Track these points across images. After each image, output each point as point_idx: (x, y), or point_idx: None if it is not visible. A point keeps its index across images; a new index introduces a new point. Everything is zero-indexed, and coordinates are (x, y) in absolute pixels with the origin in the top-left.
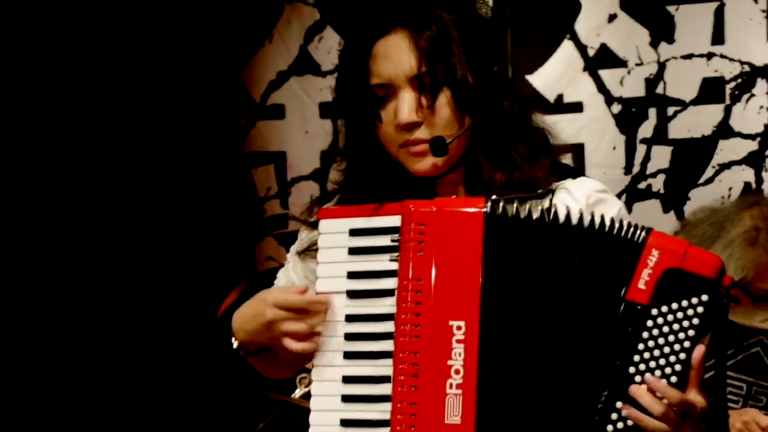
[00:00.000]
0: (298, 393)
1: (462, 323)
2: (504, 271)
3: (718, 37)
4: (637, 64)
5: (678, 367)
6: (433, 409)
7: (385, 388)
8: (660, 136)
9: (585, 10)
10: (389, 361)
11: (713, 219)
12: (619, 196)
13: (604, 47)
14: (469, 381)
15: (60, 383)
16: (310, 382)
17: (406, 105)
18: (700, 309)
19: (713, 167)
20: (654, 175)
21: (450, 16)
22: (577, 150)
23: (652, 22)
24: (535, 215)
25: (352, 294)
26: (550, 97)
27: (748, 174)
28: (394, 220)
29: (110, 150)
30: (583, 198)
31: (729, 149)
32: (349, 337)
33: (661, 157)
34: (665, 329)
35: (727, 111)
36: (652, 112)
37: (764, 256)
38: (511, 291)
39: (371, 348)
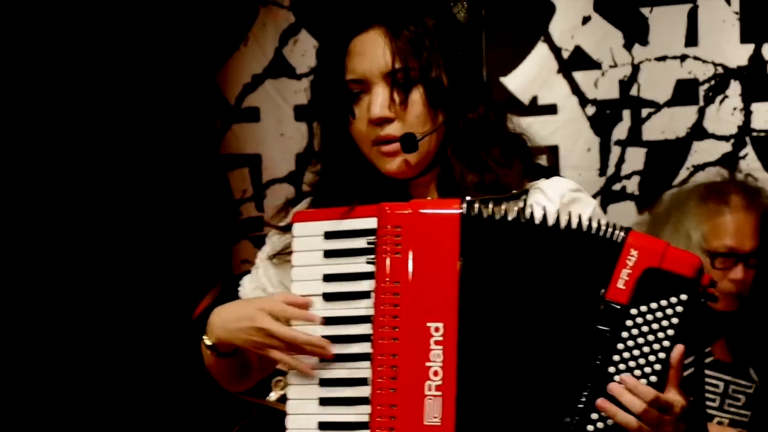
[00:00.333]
0: (273, 396)
1: (440, 325)
2: (481, 272)
3: (691, 39)
4: (611, 66)
5: (657, 367)
6: (412, 411)
7: (363, 390)
8: (634, 137)
9: (559, 12)
10: (367, 364)
11: (673, 194)
12: (593, 197)
13: (578, 49)
14: (448, 382)
15: (35, 384)
16: (285, 385)
17: (378, 100)
18: (679, 308)
19: (687, 169)
20: (628, 176)
21: (429, 18)
22: (552, 152)
23: (626, 24)
24: (511, 216)
25: (329, 297)
26: (525, 99)
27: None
28: (370, 222)
29: (85, 152)
30: (557, 198)
31: (703, 151)
32: (327, 339)
33: (636, 158)
34: (644, 329)
35: (701, 113)
36: (627, 114)
37: (716, 210)
38: (489, 292)
39: (349, 350)
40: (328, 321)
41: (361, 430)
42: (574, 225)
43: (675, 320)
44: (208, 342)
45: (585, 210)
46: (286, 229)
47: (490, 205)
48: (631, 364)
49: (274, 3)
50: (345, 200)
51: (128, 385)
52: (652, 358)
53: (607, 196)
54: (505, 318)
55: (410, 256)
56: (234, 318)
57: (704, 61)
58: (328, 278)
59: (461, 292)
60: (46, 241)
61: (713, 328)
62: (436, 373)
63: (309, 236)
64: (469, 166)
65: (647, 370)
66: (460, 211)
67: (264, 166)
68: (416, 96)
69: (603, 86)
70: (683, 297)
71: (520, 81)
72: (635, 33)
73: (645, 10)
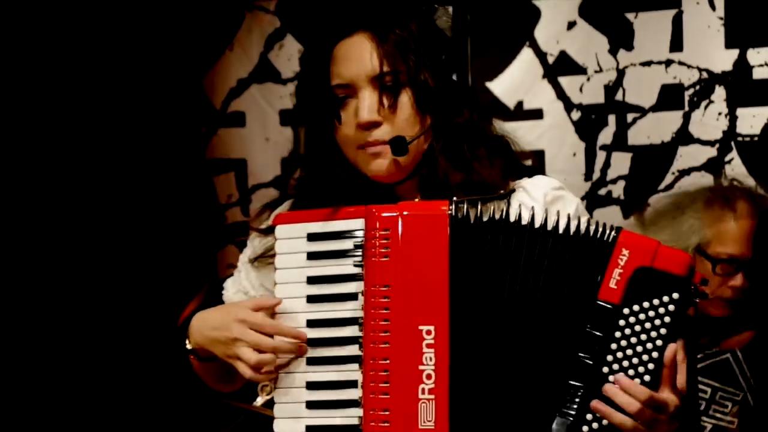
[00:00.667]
0: (259, 401)
1: (432, 328)
2: (471, 273)
3: (676, 44)
4: (596, 71)
5: (651, 366)
6: (406, 415)
7: (352, 393)
8: (619, 142)
9: (544, 17)
10: (355, 366)
11: (672, 199)
12: None
13: (563, 54)
14: (441, 385)
15: (20, 387)
16: (272, 390)
17: (366, 104)
18: (671, 307)
19: (673, 173)
20: (614, 181)
21: (412, 23)
22: (537, 157)
23: (611, 30)
24: (498, 216)
25: (313, 299)
26: (510, 104)
27: (707, 180)
28: (355, 224)
29: (72, 157)
30: (540, 196)
31: (688, 155)
32: (312, 342)
33: (621, 163)
34: (637, 328)
35: (686, 118)
36: (612, 119)
37: (721, 215)
38: (480, 294)
39: (335, 353)
40: (313, 323)
41: None
42: (563, 226)
43: (667, 319)
44: (189, 346)
45: (568, 207)
46: (268, 231)
47: (478, 206)
48: (625, 364)
49: (260, 8)
50: (327, 203)
51: (114, 389)
52: (645, 357)
53: (592, 201)
54: (497, 319)
55: (399, 259)
56: (212, 325)
57: (689, 66)
58: (312, 280)
59: (451, 294)
60: (32, 244)
61: (709, 333)
62: (429, 377)
63: (292, 238)
64: (454, 167)
65: (641, 369)
66: (449, 212)
67: (250, 171)
68: (404, 99)
69: (588, 91)
70: (675, 296)
71: (506, 86)
72: (620, 38)
73: (630, 15)
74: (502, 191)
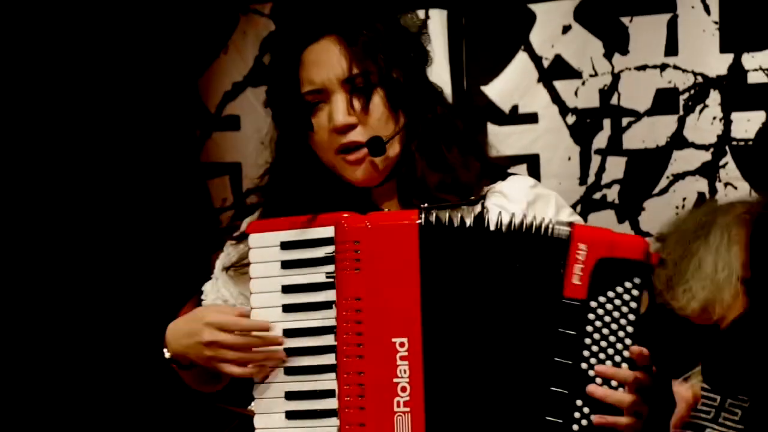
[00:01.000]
0: (254, 405)
1: (405, 340)
2: (442, 283)
3: (671, 48)
4: (591, 75)
5: (626, 354)
6: (381, 429)
7: (330, 403)
8: (614, 146)
9: (539, 21)
10: (332, 375)
11: (699, 214)
12: (574, 206)
13: (558, 58)
14: (417, 398)
15: (12, 389)
16: None
17: (340, 107)
18: (635, 292)
19: (667, 178)
20: (609, 185)
21: (380, 25)
22: (532, 161)
23: (606, 34)
24: (468, 222)
25: (289, 308)
26: (505, 108)
27: (701, 184)
28: (327, 231)
29: (64, 159)
30: (521, 198)
31: (683, 160)
32: (290, 352)
33: (616, 167)
34: (607, 319)
35: (681, 122)
36: (607, 123)
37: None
38: (451, 303)
39: (313, 362)
40: (290, 333)
41: None
42: (522, 227)
43: (634, 304)
44: (167, 355)
45: (548, 204)
46: (241, 238)
47: (447, 213)
48: (602, 356)
49: (255, 11)
50: (300, 209)
51: (108, 393)
52: (619, 346)
53: (587, 205)
54: (469, 328)
55: (371, 271)
56: (183, 334)
57: (684, 71)
58: (287, 289)
59: (423, 305)
60: (25, 247)
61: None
62: (403, 389)
63: (265, 247)
64: (430, 165)
65: (617, 358)
66: (419, 221)
67: (244, 175)
68: (377, 99)
69: (583, 95)
70: (637, 280)
71: (501, 90)
72: (615, 42)
73: (625, 20)
74: (472, 197)
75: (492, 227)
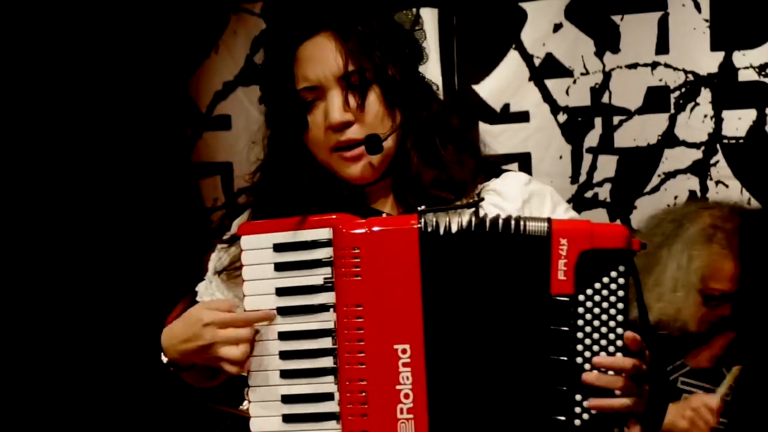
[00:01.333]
0: (246, 405)
1: (407, 346)
2: (442, 288)
3: (662, 46)
4: (582, 74)
5: (619, 343)
6: None
7: (329, 406)
8: (606, 145)
9: (530, 20)
10: (330, 378)
11: (672, 216)
12: None
13: (549, 57)
14: (420, 404)
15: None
16: None
17: (336, 104)
18: (621, 280)
19: (659, 176)
20: (600, 184)
21: (375, 21)
22: (524, 159)
23: (597, 32)
24: (465, 225)
25: (284, 311)
26: (497, 106)
27: (693, 182)
28: (322, 233)
29: (56, 159)
30: (517, 196)
31: (674, 158)
32: (285, 355)
33: (607, 166)
34: (596, 311)
35: (672, 120)
36: (598, 122)
37: (721, 254)
38: (451, 308)
39: (310, 365)
40: (286, 336)
41: None
42: (499, 227)
43: (621, 293)
44: (165, 360)
45: (544, 201)
46: (232, 241)
47: (446, 216)
48: (596, 348)
49: (245, 10)
50: (291, 210)
51: (99, 393)
52: (612, 336)
53: (579, 204)
54: (468, 333)
55: (371, 277)
56: (181, 339)
57: (675, 69)
58: (282, 292)
59: (425, 310)
60: (14, 248)
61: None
62: (406, 396)
63: (258, 249)
64: (425, 162)
65: (611, 349)
66: (418, 225)
67: (235, 174)
68: (373, 96)
69: (574, 94)
70: (621, 268)
71: (492, 88)
72: (606, 40)
73: (616, 18)
74: (469, 200)
75: (485, 229)
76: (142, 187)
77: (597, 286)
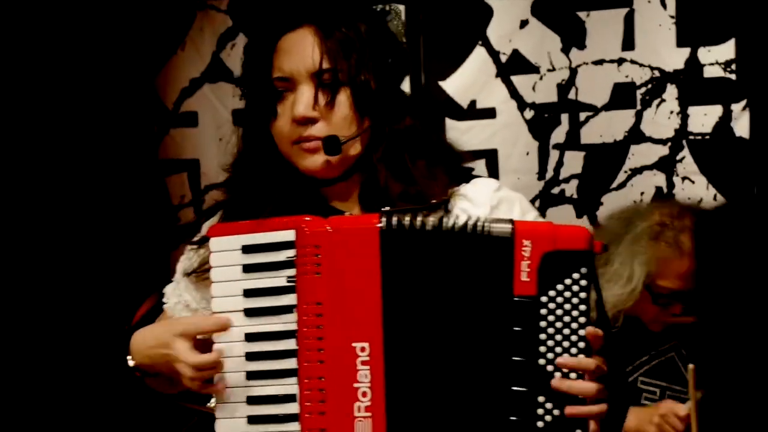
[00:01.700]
0: (214, 402)
1: (366, 344)
2: (402, 287)
3: (628, 42)
4: (549, 70)
5: (582, 345)
6: None
7: (291, 407)
8: (572, 141)
9: (497, 16)
10: (293, 380)
11: (623, 215)
12: (532, 201)
13: (516, 53)
14: (378, 403)
15: None
16: None
17: (303, 99)
18: (583, 282)
19: (625, 172)
20: (567, 180)
21: (361, 24)
22: (491, 156)
23: (564, 28)
24: (428, 224)
25: (250, 312)
26: (463, 103)
27: (659, 179)
28: (287, 235)
29: (22, 155)
30: (486, 201)
31: (640, 154)
32: (251, 356)
33: (574, 162)
34: (559, 312)
35: (638, 116)
36: (565, 118)
37: (666, 252)
38: (411, 307)
39: (274, 367)
40: (252, 337)
41: None
42: (466, 229)
43: (583, 294)
44: (131, 363)
45: (512, 208)
46: (202, 242)
47: (407, 217)
48: (558, 350)
49: (212, 7)
50: (259, 211)
51: (65, 391)
52: (574, 338)
53: (545, 200)
54: (429, 332)
55: (331, 275)
56: (152, 345)
57: (641, 65)
58: (249, 293)
59: (385, 309)
60: None
61: (649, 346)
62: (364, 394)
63: (226, 251)
64: (394, 176)
65: (573, 350)
66: (380, 225)
67: (202, 171)
68: (342, 98)
69: (541, 90)
70: (584, 270)
71: (459, 85)
72: (573, 37)
73: (582, 14)
74: (434, 201)
75: (448, 230)
76: (108, 184)
77: (560, 287)
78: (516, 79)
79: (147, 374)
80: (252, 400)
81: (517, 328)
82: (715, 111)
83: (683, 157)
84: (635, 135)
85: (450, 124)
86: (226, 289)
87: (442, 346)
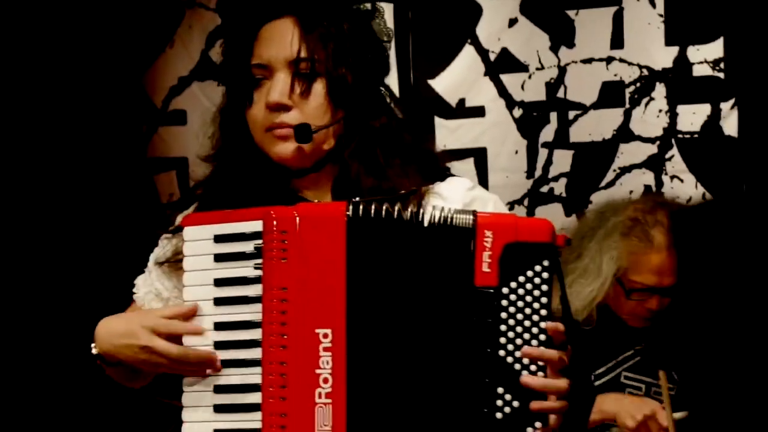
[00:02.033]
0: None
1: (328, 331)
2: (366, 275)
3: (617, 41)
4: (537, 69)
5: (543, 337)
6: (302, 420)
7: (256, 397)
8: (561, 140)
9: (486, 14)
10: (258, 369)
11: (600, 209)
12: (521, 200)
13: (505, 52)
14: (339, 389)
15: None
16: None
17: (278, 86)
18: (545, 274)
19: (614, 171)
20: (556, 178)
21: (345, 19)
22: (479, 154)
23: (552, 27)
24: (394, 213)
25: (220, 301)
26: (452, 101)
27: (648, 177)
28: (256, 225)
29: (9, 153)
30: (458, 199)
31: (629, 153)
32: (219, 345)
33: (563, 160)
34: (520, 304)
35: (627, 115)
36: (554, 116)
37: (637, 247)
38: (375, 295)
39: (241, 356)
40: (220, 326)
41: None
42: (431, 220)
43: (545, 287)
44: (95, 351)
45: (485, 207)
46: (176, 231)
47: (373, 206)
48: (519, 341)
49: (200, 5)
50: (234, 203)
51: (51, 386)
52: (535, 330)
53: (534, 199)
54: (391, 321)
55: (296, 261)
56: (118, 334)
57: (630, 64)
58: (219, 282)
59: (349, 297)
60: None
61: (632, 341)
62: (325, 381)
63: (199, 240)
64: (366, 170)
65: (534, 343)
66: (347, 213)
67: (191, 170)
68: (318, 88)
69: (530, 88)
70: (546, 263)
71: (448, 83)
72: (561, 35)
73: (571, 13)
74: (403, 191)
75: (411, 219)
76: (97, 182)
77: (521, 279)
78: (505, 78)
79: (109, 363)
80: (219, 389)
81: (477, 319)
82: (703, 110)
83: (672, 156)
84: (624, 133)
85: (439, 122)
86: (198, 278)
87: (403, 334)
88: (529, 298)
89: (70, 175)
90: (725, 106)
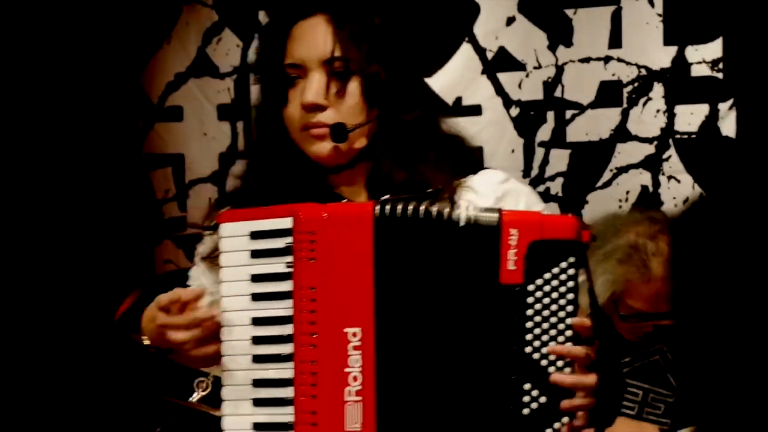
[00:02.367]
0: (195, 397)
1: (357, 330)
2: (394, 274)
3: (615, 40)
4: (535, 68)
5: (569, 333)
6: (333, 417)
7: (289, 391)
8: (558, 139)
9: (483, 13)
10: (291, 364)
11: (603, 224)
12: None
13: (502, 50)
14: (368, 387)
15: None
16: (207, 386)
17: (313, 86)
18: (571, 271)
19: (611, 171)
20: (552, 178)
21: (376, 15)
22: (476, 153)
23: (550, 26)
24: (420, 212)
25: (257, 297)
26: (449, 99)
27: (645, 177)
28: (286, 222)
29: (5, 150)
30: (490, 193)
31: (626, 153)
32: (256, 340)
33: (560, 160)
34: (546, 301)
35: (625, 114)
36: (551, 116)
37: (635, 274)
38: (403, 294)
39: (276, 351)
40: (257, 321)
41: (291, 430)
42: (460, 218)
43: (571, 283)
44: (146, 342)
45: (518, 200)
46: (214, 228)
47: (400, 205)
48: (545, 338)
49: (197, 1)
50: (271, 199)
51: (49, 386)
52: (561, 326)
53: None
54: (420, 319)
55: (325, 261)
56: (147, 320)
57: (628, 63)
58: (256, 278)
59: (377, 295)
60: None
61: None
62: (355, 379)
63: (236, 236)
64: (399, 165)
65: (561, 339)
66: (374, 212)
67: (187, 166)
68: (352, 87)
69: (527, 87)
70: (571, 259)
71: (445, 82)
72: (559, 34)
73: (569, 12)
74: (429, 190)
75: (437, 218)
76: (92, 178)
77: (547, 276)
78: (502, 77)
79: (162, 351)
80: (257, 383)
81: (503, 316)
82: (701, 110)
83: (669, 156)
84: (621, 133)
85: (451, 123)
86: (235, 274)
87: (430, 332)
88: (555, 295)
89: (66, 171)
90: (723, 107)
